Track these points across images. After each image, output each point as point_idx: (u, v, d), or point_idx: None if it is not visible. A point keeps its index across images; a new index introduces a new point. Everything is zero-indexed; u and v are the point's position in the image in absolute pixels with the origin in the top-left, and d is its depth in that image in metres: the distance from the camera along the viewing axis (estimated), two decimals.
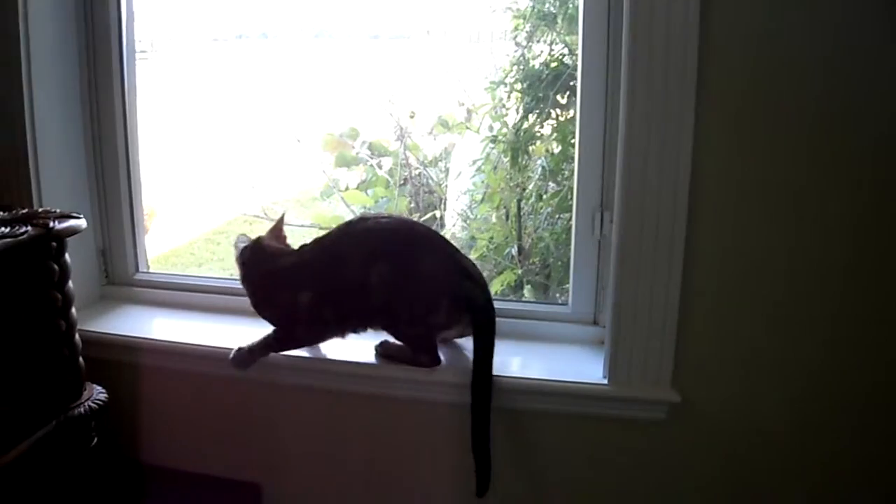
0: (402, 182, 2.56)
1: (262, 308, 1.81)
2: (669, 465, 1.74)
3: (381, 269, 1.67)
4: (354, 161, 2.64)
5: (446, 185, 2.52)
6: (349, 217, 2.43)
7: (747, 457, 1.71)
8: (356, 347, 1.82)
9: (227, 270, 2.93)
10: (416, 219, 2.27)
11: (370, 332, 1.77)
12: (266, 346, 1.79)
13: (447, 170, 2.51)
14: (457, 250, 1.74)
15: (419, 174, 2.57)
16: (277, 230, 1.87)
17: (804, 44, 1.51)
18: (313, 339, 1.82)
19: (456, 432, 1.69)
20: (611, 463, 1.76)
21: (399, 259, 1.68)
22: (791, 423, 1.68)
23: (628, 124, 1.55)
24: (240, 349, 1.78)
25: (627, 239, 1.60)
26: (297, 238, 2.20)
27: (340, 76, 2.44)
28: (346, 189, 2.61)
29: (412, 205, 2.55)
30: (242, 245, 1.83)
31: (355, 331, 1.78)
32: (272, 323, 1.80)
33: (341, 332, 1.79)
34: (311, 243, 1.81)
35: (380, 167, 2.60)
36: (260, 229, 2.48)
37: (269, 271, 1.79)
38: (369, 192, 2.57)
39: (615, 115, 1.67)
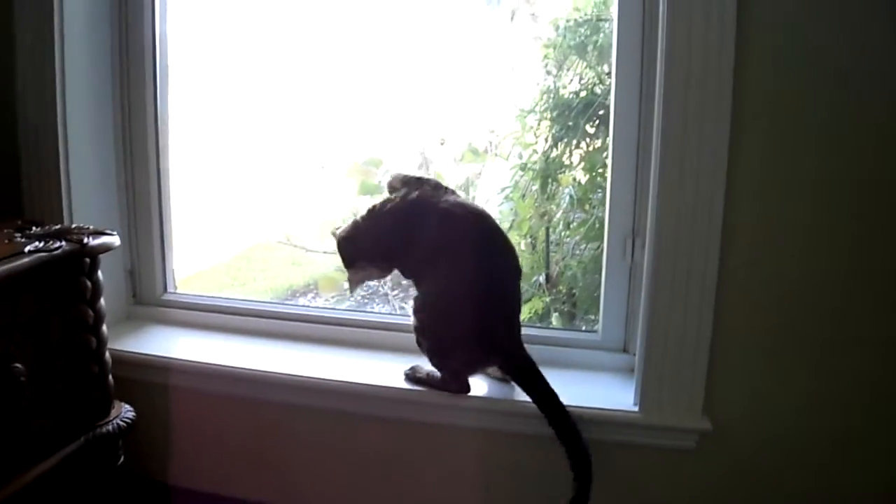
0: None
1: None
2: (698, 493, 1.72)
3: (442, 271, 1.66)
4: (377, 189, 2.64)
5: None
6: None
7: (776, 486, 1.69)
8: (380, 371, 1.83)
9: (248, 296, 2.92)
10: None
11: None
12: None
13: (473, 198, 2.51)
14: (514, 259, 1.71)
15: None
16: None
17: (842, 77, 1.51)
18: None
19: (478, 458, 1.68)
20: (641, 490, 1.74)
21: (457, 264, 1.65)
22: (823, 454, 1.66)
23: (662, 152, 1.56)
24: None
25: (660, 265, 1.60)
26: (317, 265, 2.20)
27: (367, 104, 2.45)
28: None
29: None
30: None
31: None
32: None
33: None
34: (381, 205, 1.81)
35: None
36: (282, 256, 2.49)
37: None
38: None
39: (648, 142, 1.68)
